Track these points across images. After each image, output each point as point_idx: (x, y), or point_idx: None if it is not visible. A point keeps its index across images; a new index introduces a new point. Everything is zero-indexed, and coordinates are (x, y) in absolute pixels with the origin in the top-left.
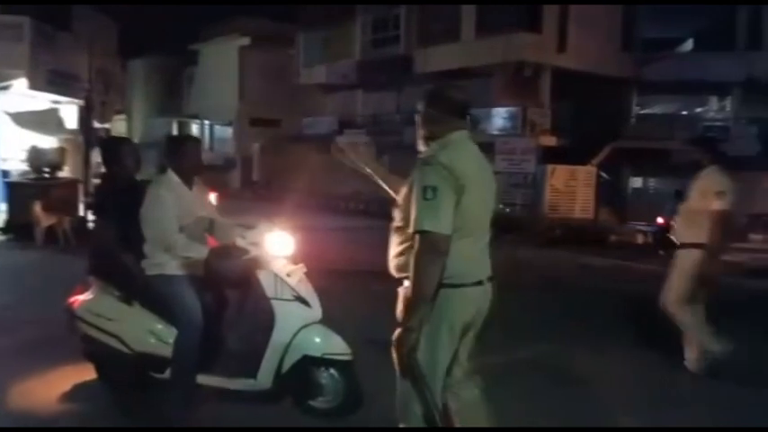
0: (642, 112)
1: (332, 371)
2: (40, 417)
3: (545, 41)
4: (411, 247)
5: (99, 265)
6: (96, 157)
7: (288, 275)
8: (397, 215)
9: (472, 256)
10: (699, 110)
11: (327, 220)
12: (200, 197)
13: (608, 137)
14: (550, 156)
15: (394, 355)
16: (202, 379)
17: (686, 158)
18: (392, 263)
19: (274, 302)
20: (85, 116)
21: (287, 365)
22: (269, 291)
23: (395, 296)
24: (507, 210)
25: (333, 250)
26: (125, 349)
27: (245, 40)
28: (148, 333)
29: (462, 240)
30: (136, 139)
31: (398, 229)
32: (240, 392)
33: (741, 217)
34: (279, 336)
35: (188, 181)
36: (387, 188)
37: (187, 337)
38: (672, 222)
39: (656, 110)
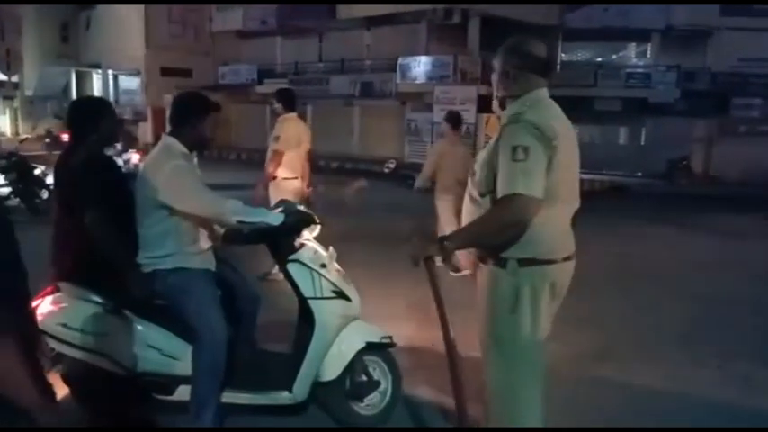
0: (566, 59)
1: (376, 359)
2: None
3: None
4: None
5: (74, 265)
6: None
7: (322, 266)
8: (472, 187)
9: (564, 227)
10: (615, 56)
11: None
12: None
13: None
14: (483, 105)
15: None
16: (227, 396)
17: (609, 107)
18: None
19: (313, 303)
20: None
21: (327, 373)
22: (305, 289)
23: None
24: None
25: None
26: (119, 370)
27: None
28: (150, 349)
29: (553, 208)
30: (28, 91)
31: (475, 201)
32: (271, 407)
33: None
34: (319, 341)
35: (192, 153)
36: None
37: (211, 349)
38: None
39: (579, 57)
